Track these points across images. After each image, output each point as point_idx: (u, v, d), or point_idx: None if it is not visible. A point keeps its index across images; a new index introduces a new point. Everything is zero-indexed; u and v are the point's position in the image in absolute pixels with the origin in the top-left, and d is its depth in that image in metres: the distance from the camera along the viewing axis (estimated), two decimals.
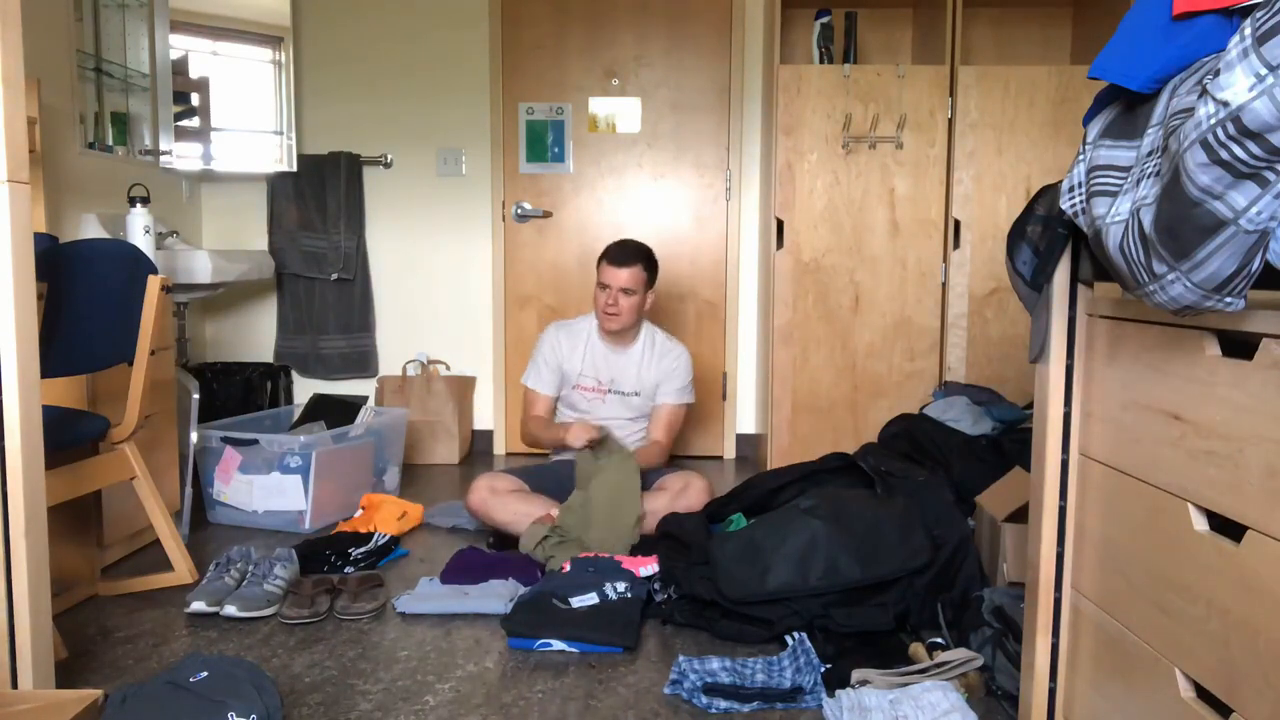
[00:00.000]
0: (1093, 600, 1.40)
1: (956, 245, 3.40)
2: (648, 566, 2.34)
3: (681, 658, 1.88)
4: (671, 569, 2.23)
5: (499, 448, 4.09)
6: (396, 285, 4.04)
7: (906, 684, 1.69)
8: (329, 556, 2.53)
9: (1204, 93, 0.92)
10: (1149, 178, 1.05)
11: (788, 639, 1.93)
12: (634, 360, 2.96)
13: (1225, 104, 0.89)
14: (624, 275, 2.83)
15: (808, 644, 1.88)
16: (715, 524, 2.55)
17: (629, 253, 2.87)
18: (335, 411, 3.31)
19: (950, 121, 3.37)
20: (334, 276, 3.93)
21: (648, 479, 2.80)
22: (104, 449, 2.26)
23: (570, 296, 4.00)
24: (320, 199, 3.92)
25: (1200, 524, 1.15)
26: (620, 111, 3.95)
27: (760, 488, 2.65)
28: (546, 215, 3.99)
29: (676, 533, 2.39)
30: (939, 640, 1.90)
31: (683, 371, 2.96)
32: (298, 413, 3.40)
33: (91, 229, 2.96)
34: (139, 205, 2.77)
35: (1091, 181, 1.17)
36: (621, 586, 2.15)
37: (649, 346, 2.98)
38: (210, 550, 2.68)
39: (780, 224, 3.41)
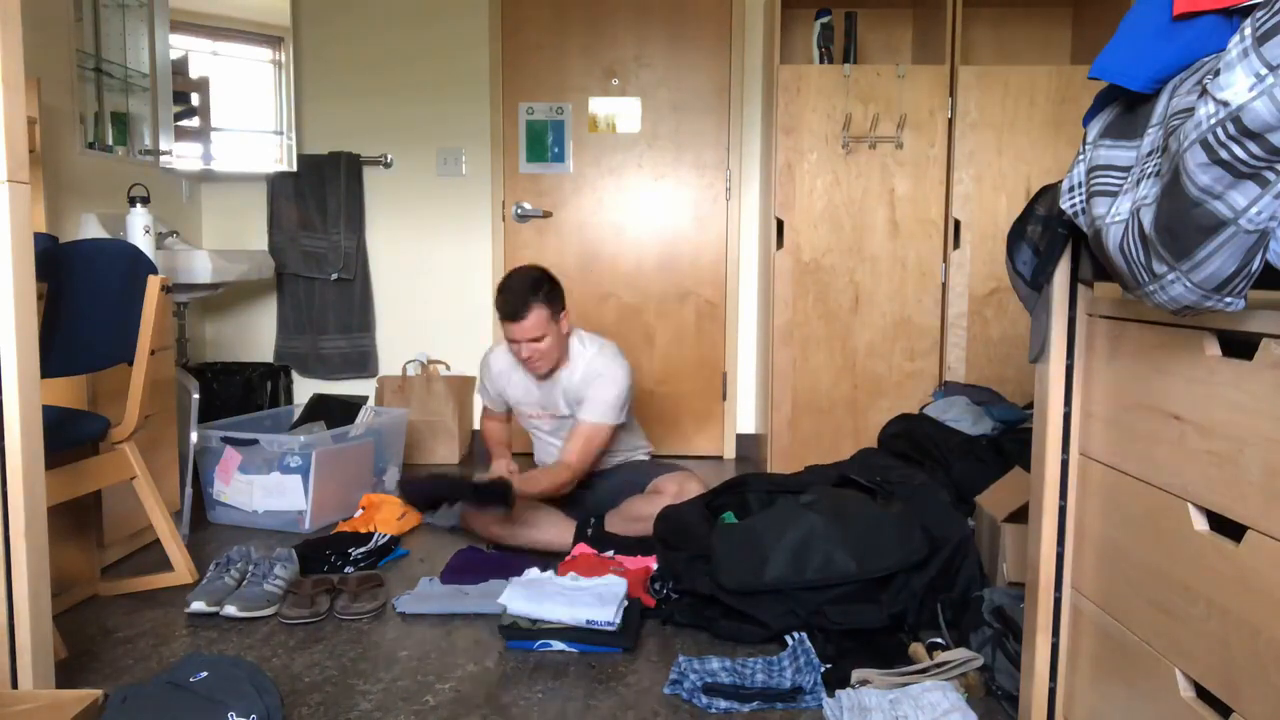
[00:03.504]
0: (1093, 600, 1.40)
1: (956, 245, 3.40)
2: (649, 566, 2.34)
3: (681, 658, 1.88)
4: (671, 562, 2.23)
5: None
6: (396, 285, 4.04)
7: (906, 684, 1.70)
8: (329, 556, 2.53)
9: (1204, 93, 0.92)
10: (1149, 178, 1.05)
11: (788, 639, 1.93)
12: (561, 385, 2.75)
13: (1225, 104, 0.89)
14: (526, 327, 2.55)
15: (808, 644, 1.88)
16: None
17: (518, 301, 2.54)
18: (335, 411, 3.31)
19: (950, 121, 3.37)
20: (334, 276, 3.93)
21: (641, 481, 2.78)
22: (104, 449, 2.26)
23: (570, 297, 3.97)
24: (320, 199, 3.92)
25: (1200, 524, 1.15)
26: (620, 111, 3.95)
27: (757, 489, 2.63)
28: (546, 215, 3.99)
29: (675, 524, 2.38)
30: (939, 640, 1.90)
31: (608, 386, 2.66)
32: (298, 413, 3.40)
33: (91, 229, 2.96)
34: (139, 205, 2.77)
35: (1091, 181, 1.17)
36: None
37: (579, 368, 2.73)
38: (210, 550, 2.68)
39: (780, 224, 3.41)
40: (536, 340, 2.59)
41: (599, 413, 2.67)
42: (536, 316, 2.56)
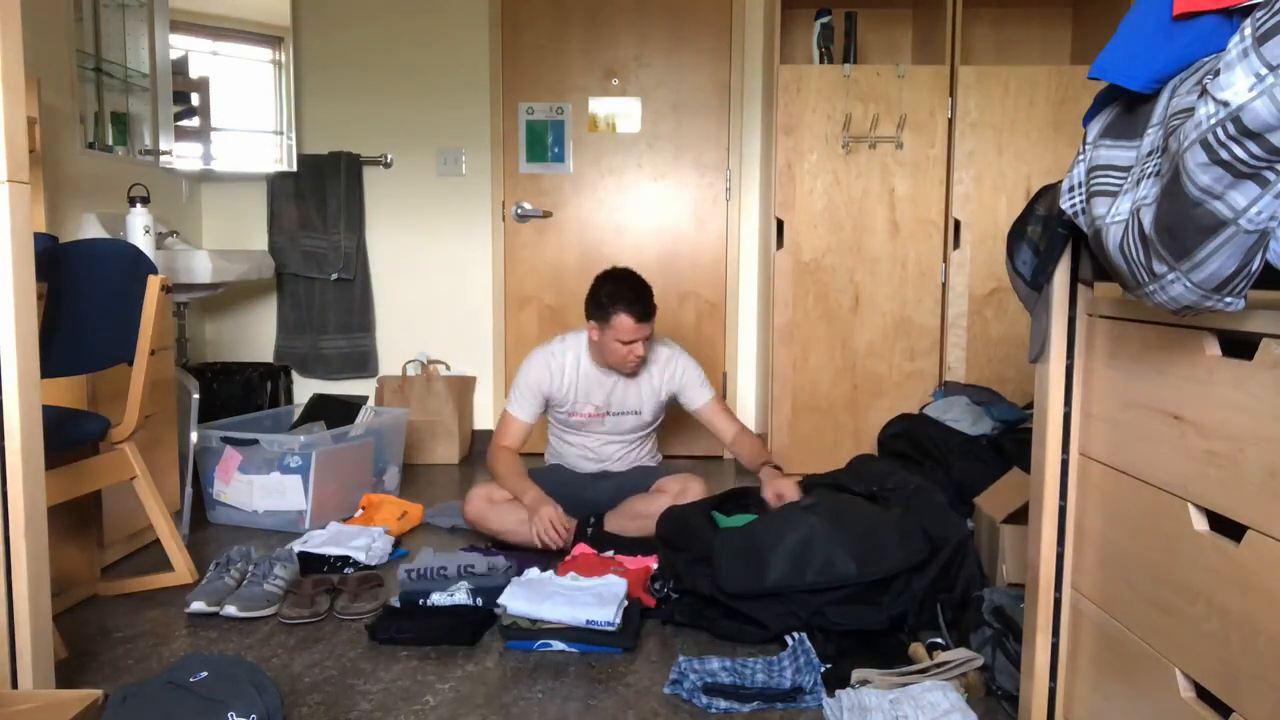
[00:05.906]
0: (1093, 600, 1.40)
1: (956, 245, 3.40)
2: (649, 566, 2.34)
3: (681, 658, 1.88)
4: (672, 563, 2.23)
5: None
6: (396, 285, 4.04)
7: (906, 684, 1.69)
8: (329, 556, 2.53)
9: (1204, 93, 0.92)
10: (1149, 178, 1.05)
11: (788, 639, 1.93)
12: (642, 381, 2.82)
13: (1225, 104, 0.89)
14: (649, 326, 2.67)
15: (808, 644, 1.88)
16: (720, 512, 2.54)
17: (649, 302, 2.65)
18: (335, 411, 3.31)
19: (950, 121, 3.37)
20: (334, 276, 3.93)
21: (645, 481, 2.79)
22: (104, 449, 2.26)
23: (570, 297, 4.00)
24: (320, 199, 3.92)
25: (1200, 524, 1.15)
26: (620, 111, 3.95)
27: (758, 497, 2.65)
28: (546, 215, 3.99)
29: (678, 524, 2.38)
30: (939, 640, 1.90)
31: (693, 369, 2.85)
32: (298, 413, 3.40)
33: (91, 229, 2.96)
34: (139, 205, 2.77)
35: (1091, 181, 1.17)
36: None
37: (658, 362, 2.84)
38: (210, 550, 2.68)
39: (780, 224, 3.41)
40: (648, 338, 2.71)
41: (707, 389, 2.88)
42: (654, 319, 2.70)
